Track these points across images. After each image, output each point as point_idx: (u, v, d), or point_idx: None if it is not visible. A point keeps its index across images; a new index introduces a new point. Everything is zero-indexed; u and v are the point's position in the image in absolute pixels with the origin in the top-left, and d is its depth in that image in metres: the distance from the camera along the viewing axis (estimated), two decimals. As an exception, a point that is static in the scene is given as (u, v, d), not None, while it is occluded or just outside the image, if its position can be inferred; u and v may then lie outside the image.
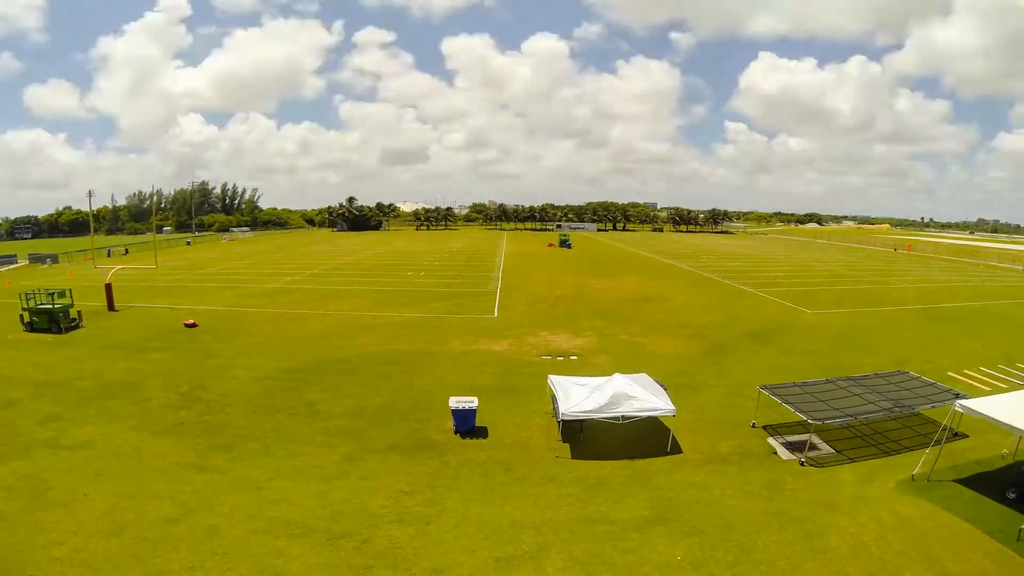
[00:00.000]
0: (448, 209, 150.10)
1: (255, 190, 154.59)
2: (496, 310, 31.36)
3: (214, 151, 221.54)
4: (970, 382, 18.73)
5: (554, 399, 14.20)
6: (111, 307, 30.57)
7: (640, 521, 10.83)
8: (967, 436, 14.03)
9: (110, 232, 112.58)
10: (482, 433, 14.64)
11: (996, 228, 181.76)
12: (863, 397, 14.62)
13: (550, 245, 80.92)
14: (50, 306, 26.01)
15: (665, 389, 14.92)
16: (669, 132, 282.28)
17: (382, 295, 36.13)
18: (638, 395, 13.74)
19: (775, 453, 13.66)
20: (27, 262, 58.69)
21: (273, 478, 12.42)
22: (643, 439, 14.34)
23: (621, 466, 13.06)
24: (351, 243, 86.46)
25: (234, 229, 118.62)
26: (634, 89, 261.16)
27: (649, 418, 14.47)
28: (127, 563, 9.40)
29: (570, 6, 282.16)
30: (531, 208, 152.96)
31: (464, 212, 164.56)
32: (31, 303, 26.32)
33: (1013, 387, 17.45)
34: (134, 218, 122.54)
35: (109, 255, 64.63)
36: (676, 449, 13.60)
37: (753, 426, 14.93)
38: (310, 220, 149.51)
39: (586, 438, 14.34)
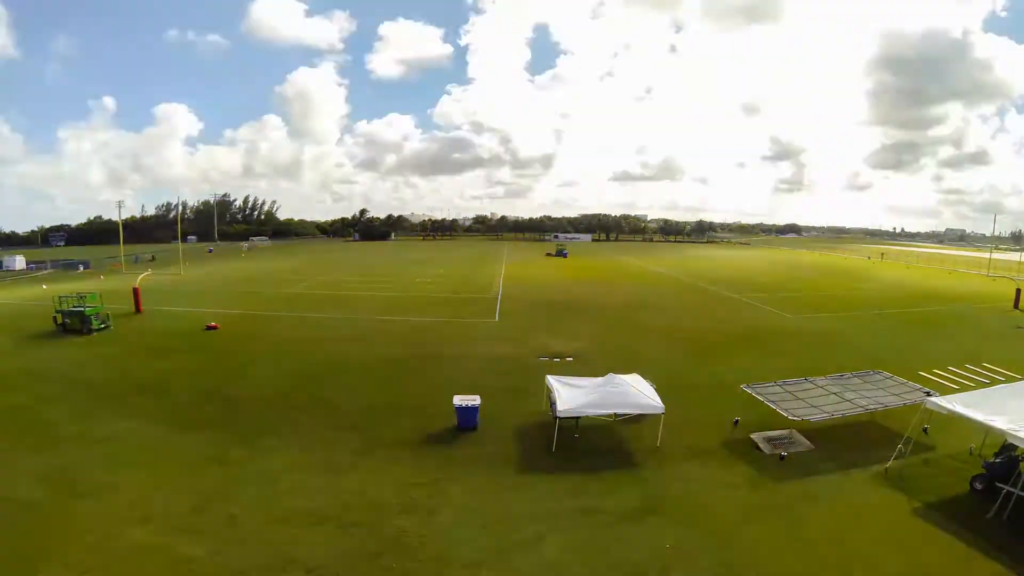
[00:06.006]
0: (453, 221, 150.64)
1: (274, 202, 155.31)
2: (497, 315, 31.36)
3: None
4: (940, 381, 18.70)
5: (551, 398, 14.18)
6: (138, 310, 30.63)
7: (631, 512, 10.80)
8: (938, 432, 13.98)
9: (138, 240, 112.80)
10: (484, 429, 14.61)
11: (963, 237, 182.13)
12: (840, 395, 14.62)
13: (548, 255, 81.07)
14: (81, 308, 26.08)
15: (655, 388, 14.90)
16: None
17: (391, 300, 36.16)
18: (630, 394, 13.71)
19: (758, 448, 13.62)
20: (50, 269, 58.60)
21: (289, 471, 12.40)
22: (634, 435, 14.33)
23: (613, 460, 13.03)
24: (362, 252, 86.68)
25: (253, 238, 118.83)
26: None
27: (640, 415, 14.48)
28: (152, 550, 9.38)
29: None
30: (530, 219, 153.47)
31: (467, 223, 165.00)
32: (64, 305, 26.40)
33: (980, 385, 17.42)
34: (160, 227, 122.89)
35: (136, 261, 64.79)
36: (665, 444, 13.55)
37: (737, 423, 14.89)
38: (324, 230, 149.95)
39: (581, 434, 14.32)
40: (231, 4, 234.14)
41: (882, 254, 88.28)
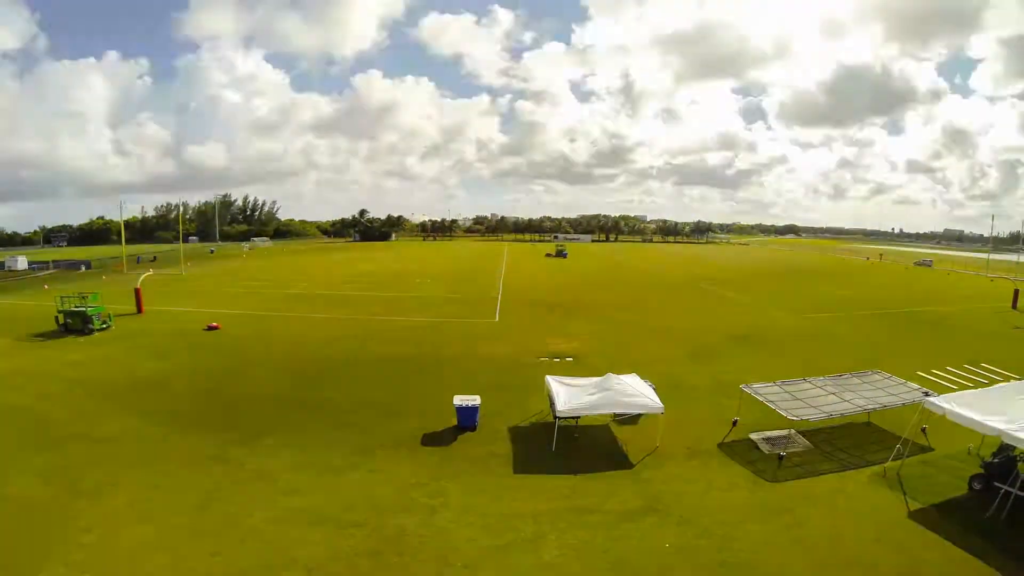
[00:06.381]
0: (452, 221, 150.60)
1: (274, 202, 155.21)
2: (497, 315, 31.35)
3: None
4: (938, 381, 18.69)
5: (551, 398, 14.16)
6: (139, 310, 30.59)
7: (630, 511, 10.78)
8: (936, 432, 13.94)
9: (139, 240, 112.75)
10: (484, 429, 14.59)
11: (960, 238, 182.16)
12: (839, 395, 14.59)
13: (547, 255, 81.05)
14: (83, 308, 26.05)
15: (654, 388, 14.88)
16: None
17: (392, 301, 36.13)
18: (629, 394, 13.69)
19: (757, 448, 13.61)
20: (52, 270, 58.55)
21: (289, 470, 12.37)
22: (633, 435, 14.30)
23: (612, 460, 13.02)
24: (363, 253, 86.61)
25: (254, 239, 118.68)
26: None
27: (639, 415, 14.45)
28: (153, 549, 9.35)
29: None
30: (529, 220, 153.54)
31: (467, 224, 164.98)
32: (65, 306, 26.37)
33: (978, 385, 17.41)
34: (162, 228, 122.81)
35: (139, 262, 64.70)
36: (664, 444, 13.52)
37: (736, 423, 14.86)
38: (324, 231, 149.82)
39: (580, 434, 14.29)
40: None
41: (880, 255, 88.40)
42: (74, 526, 9.95)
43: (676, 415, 14.44)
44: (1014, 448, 11.00)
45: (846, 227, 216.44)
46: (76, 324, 25.60)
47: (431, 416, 15.36)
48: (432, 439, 14.13)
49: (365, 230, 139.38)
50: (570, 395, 13.88)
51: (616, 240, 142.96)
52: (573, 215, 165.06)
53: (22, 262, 61.76)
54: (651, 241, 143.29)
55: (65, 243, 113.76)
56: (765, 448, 13.53)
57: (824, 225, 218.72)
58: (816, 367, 18.79)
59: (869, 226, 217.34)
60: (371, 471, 12.38)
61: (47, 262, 62.65)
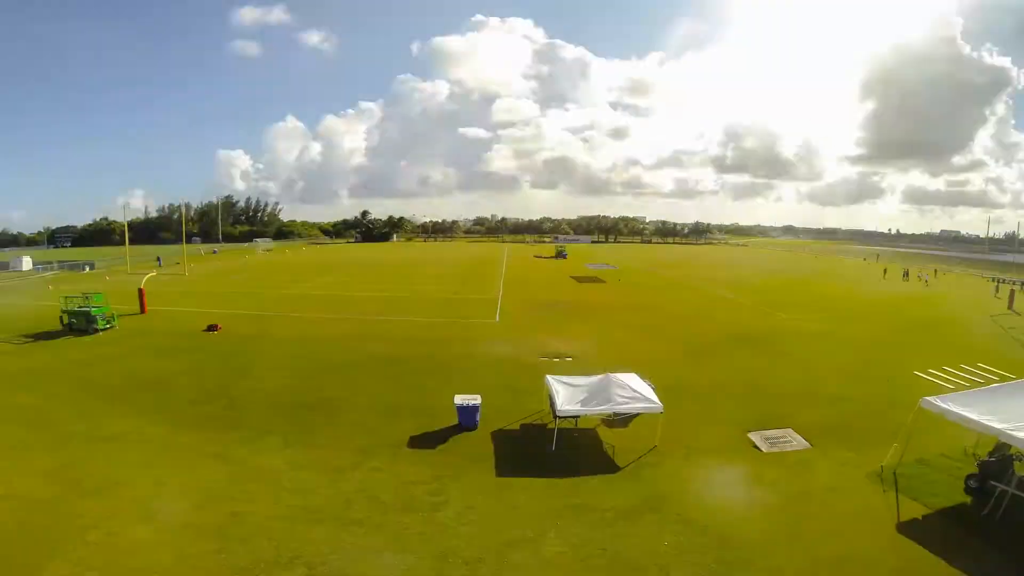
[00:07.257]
0: (453, 222, 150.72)
1: (276, 203, 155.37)
2: (498, 315, 31.35)
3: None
4: (936, 380, 18.69)
5: (551, 397, 14.17)
6: (143, 310, 30.63)
7: (629, 510, 10.78)
8: (933, 431, 13.91)
9: (143, 241, 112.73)
10: (484, 428, 14.59)
11: (957, 239, 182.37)
12: None
13: (547, 256, 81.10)
14: (87, 308, 26.08)
15: (653, 388, 14.87)
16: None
17: (392, 301, 36.16)
18: (628, 394, 13.67)
19: (755, 447, 13.61)
20: (57, 270, 58.52)
21: (291, 469, 12.38)
22: (632, 434, 14.30)
23: (612, 459, 13.02)
24: (364, 253, 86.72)
25: (257, 240, 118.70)
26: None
27: (638, 415, 14.45)
28: (157, 547, 9.36)
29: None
30: (529, 221, 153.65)
31: (467, 225, 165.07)
32: (70, 305, 26.41)
33: (974, 384, 17.40)
34: (164, 228, 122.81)
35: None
36: (663, 443, 13.52)
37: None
38: (326, 231, 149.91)
39: (580, 433, 14.30)
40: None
41: (877, 255, 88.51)
42: (78, 524, 9.95)
43: (675, 414, 14.43)
44: (1010, 447, 11.01)
45: (843, 228, 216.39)
46: (80, 324, 25.63)
47: (432, 415, 15.36)
48: (433, 438, 14.14)
49: (366, 231, 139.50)
50: (570, 394, 13.87)
51: (616, 241, 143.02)
52: (573, 216, 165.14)
53: (27, 262, 61.88)
54: (650, 242, 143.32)
55: (69, 244, 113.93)
56: (764, 447, 13.54)
57: (822, 226, 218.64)
58: (814, 367, 18.83)
59: (866, 227, 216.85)
60: (372, 470, 12.39)
61: (51, 262, 62.76)
